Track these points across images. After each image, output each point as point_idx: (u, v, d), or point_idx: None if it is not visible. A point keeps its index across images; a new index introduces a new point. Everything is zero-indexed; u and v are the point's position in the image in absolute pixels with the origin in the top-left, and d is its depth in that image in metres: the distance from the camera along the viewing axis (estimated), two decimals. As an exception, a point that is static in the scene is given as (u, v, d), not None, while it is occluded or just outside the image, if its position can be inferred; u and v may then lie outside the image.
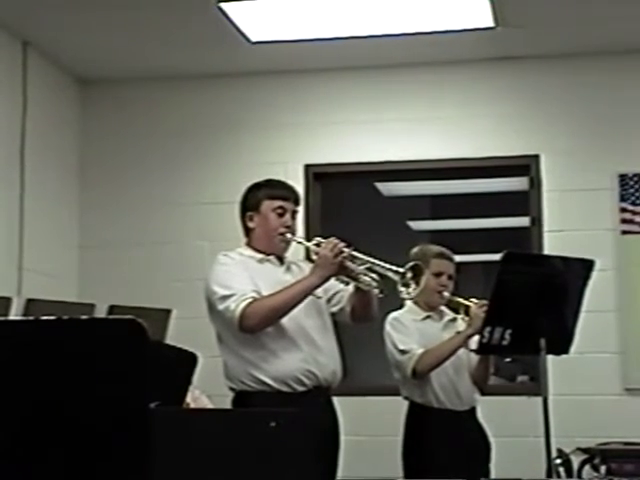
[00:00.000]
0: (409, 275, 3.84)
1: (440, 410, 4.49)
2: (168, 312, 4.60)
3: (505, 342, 4.03)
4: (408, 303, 4.67)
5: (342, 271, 3.93)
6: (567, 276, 4.19)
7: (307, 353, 3.93)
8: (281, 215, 4.07)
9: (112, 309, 4.23)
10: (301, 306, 3.91)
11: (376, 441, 5.84)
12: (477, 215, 8.46)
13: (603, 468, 5.41)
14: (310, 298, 3.97)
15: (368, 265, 3.91)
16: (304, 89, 6.59)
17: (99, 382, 1.88)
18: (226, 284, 3.90)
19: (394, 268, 3.83)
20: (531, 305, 4.06)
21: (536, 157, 6.29)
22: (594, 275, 4.21)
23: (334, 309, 4.13)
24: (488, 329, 4.02)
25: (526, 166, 6.33)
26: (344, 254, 3.88)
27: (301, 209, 4.29)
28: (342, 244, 3.90)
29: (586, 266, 4.20)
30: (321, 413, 3.90)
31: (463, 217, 8.68)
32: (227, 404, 4.03)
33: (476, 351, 4.38)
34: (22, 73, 6.06)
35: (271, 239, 4.07)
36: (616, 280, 6.02)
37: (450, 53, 6.25)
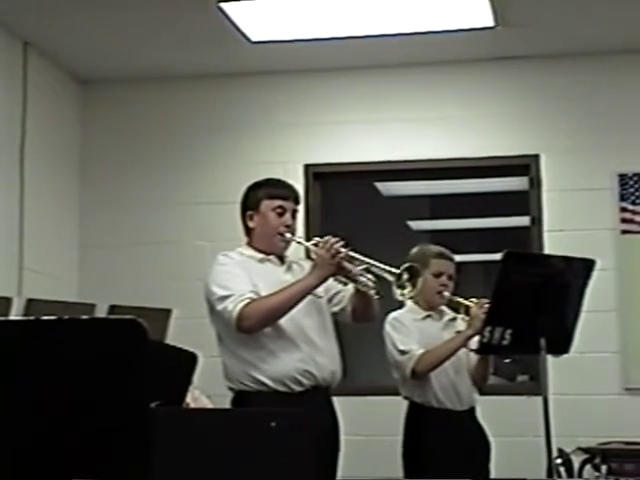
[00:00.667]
0: (405, 277, 3.84)
1: (440, 410, 4.49)
2: (168, 312, 4.60)
3: (505, 342, 4.03)
4: (408, 303, 4.67)
5: (340, 271, 3.93)
6: (567, 276, 4.18)
7: (305, 353, 3.93)
8: (281, 214, 4.07)
9: (112, 309, 4.23)
10: (300, 306, 3.91)
11: (376, 441, 5.84)
12: (477, 215, 8.45)
13: (604, 468, 5.40)
14: (310, 298, 3.97)
15: (365, 266, 3.91)
16: (304, 89, 6.59)
17: (99, 382, 1.88)
18: (224, 284, 3.90)
19: (390, 269, 3.83)
20: (531, 305, 4.06)
21: (536, 157, 6.29)
22: (594, 275, 4.21)
23: (335, 309, 4.13)
24: (488, 329, 4.02)
25: (526, 166, 6.33)
26: (342, 254, 3.88)
27: (301, 209, 4.29)
28: (339, 244, 3.90)
29: (586, 266, 4.20)
30: (320, 413, 3.89)
31: (463, 217, 8.68)
32: (227, 404, 4.03)
33: (476, 351, 4.37)
34: (22, 73, 6.06)
35: (271, 239, 4.07)
36: (616, 280, 6.01)
37: (450, 53, 6.25)
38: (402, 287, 3.83)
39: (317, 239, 4.02)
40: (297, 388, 3.90)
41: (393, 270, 3.81)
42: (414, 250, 4.64)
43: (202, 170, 6.60)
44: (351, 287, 4.07)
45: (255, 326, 3.85)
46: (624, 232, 6.09)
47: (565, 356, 4.34)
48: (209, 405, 5.00)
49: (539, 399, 4.06)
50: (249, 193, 4.18)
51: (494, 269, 4.03)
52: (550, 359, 4.36)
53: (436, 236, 8.26)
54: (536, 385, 5.15)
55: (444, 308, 4.71)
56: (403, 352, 4.46)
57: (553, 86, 6.31)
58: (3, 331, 1.94)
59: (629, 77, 6.24)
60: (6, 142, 5.95)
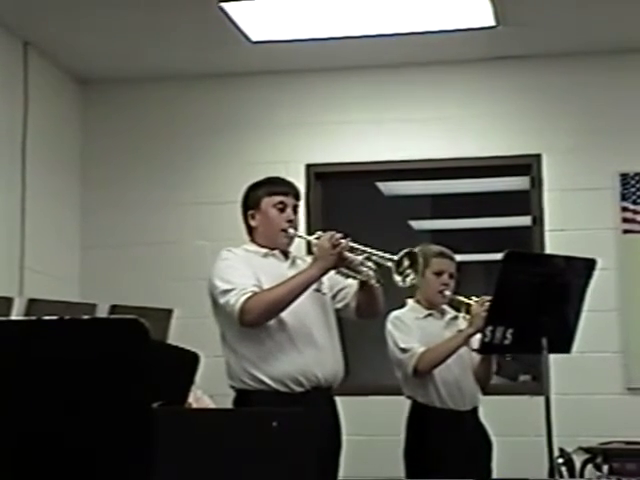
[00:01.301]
0: (405, 263, 3.85)
1: (442, 410, 4.49)
2: (170, 312, 4.59)
3: (507, 341, 4.03)
4: (410, 302, 4.68)
5: (341, 262, 3.93)
6: (568, 275, 4.18)
7: (307, 354, 3.92)
8: (282, 210, 4.07)
9: (114, 309, 4.22)
10: (306, 303, 3.91)
11: (378, 441, 5.83)
12: (478, 214, 8.45)
13: (605, 467, 5.40)
14: (315, 294, 3.98)
15: (366, 255, 3.91)
16: (305, 89, 6.58)
17: (101, 382, 1.88)
18: (227, 278, 3.90)
19: (390, 256, 3.84)
20: (532, 304, 4.06)
21: (537, 156, 6.29)
22: (595, 274, 4.21)
23: (339, 305, 4.14)
24: (489, 328, 4.02)
25: (527, 165, 6.33)
26: (342, 245, 3.88)
27: (302, 209, 4.29)
28: (339, 235, 3.91)
29: (588, 265, 4.20)
30: (322, 413, 3.89)
31: (464, 217, 8.67)
32: (229, 404, 4.03)
33: (478, 350, 4.38)
34: (23, 73, 6.06)
35: (274, 235, 4.07)
36: (617, 279, 6.01)
37: (451, 52, 6.25)
38: (405, 275, 3.84)
39: (319, 233, 4.02)
40: (297, 389, 3.90)
41: (393, 257, 3.83)
42: (415, 249, 4.63)
43: (203, 170, 6.60)
44: (355, 283, 4.07)
45: (258, 319, 3.85)
46: (625, 232, 6.08)
47: (567, 356, 4.35)
48: (211, 405, 5.00)
49: (541, 399, 4.06)
50: (249, 193, 4.18)
51: (495, 269, 4.03)
52: (552, 359, 4.35)
53: (437, 236, 8.26)
54: (538, 385, 5.15)
55: (445, 307, 4.71)
56: (405, 350, 4.46)
57: (554, 86, 6.31)
58: (4, 331, 1.94)
59: (630, 76, 6.24)
60: (7, 142, 5.95)
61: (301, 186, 5.45)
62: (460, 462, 4.37)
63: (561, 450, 5.24)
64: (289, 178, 4.37)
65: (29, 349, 1.90)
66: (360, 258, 3.92)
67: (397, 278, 3.82)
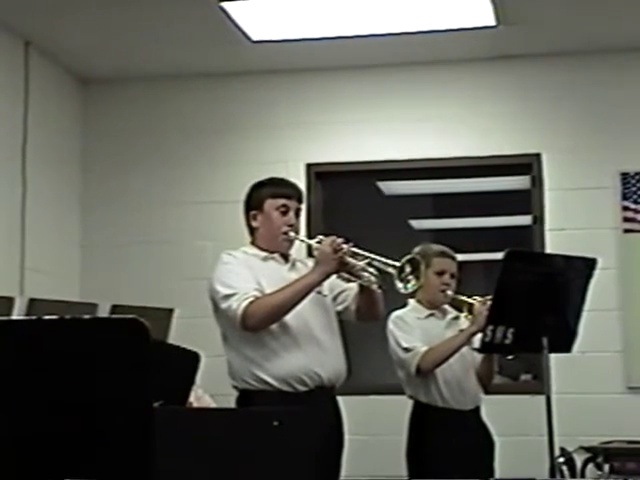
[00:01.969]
0: (407, 269, 3.84)
1: (444, 409, 4.49)
2: (170, 311, 4.59)
3: (508, 341, 4.03)
4: (411, 301, 4.68)
5: (342, 267, 3.93)
6: (569, 275, 4.18)
7: (310, 353, 3.92)
8: (284, 213, 4.06)
9: (114, 308, 4.22)
10: (307, 305, 3.91)
11: (380, 440, 5.83)
12: (479, 214, 8.44)
13: (606, 467, 5.40)
14: (315, 296, 3.97)
15: (368, 260, 3.91)
16: (305, 88, 6.58)
17: (102, 381, 1.88)
18: (229, 283, 3.90)
19: (392, 263, 3.83)
20: (533, 304, 4.06)
21: (538, 156, 6.28)
22: (596, 274, 4.21)
23: (339, 308, 4.13)
24: (490, 328, 4.02)
25: (528, 165, 6.33)
26: (344, 250, 3.88)
27: (303, 208, 4.28)
28: (341, 240, 3.90)
29: (588, 265, 4.20)
30: (325, 412, 3.89)
31: (465, 216, 8.67)
32: (230, 403, 4.03)
33: (479, 350, 4.38)
34: (24, 73, 6.06)
35: (275, 238, 4.06)
36: (618, 279, 6.01)
37: (451, 52, 6.25)
38: (406, 280, 3.83)
39: (320, 237, 4.02)
40: (301, 388, 3.89)
41: (395, 263, 3.82)
42: (416, 249, 4.63)
43: (203, 169, 6.60)
44: (355, 286, 4.07)
45: (260, 324, 3.85)
46: (626, 231, 6.08)
47: (567, 355, 4.35)
48: (212, 404, 5.00)
49: (542, 398, 4.06)
50: (252, 193, 4.17)
51: (496, 268, 4.03)
52: (553, 358, 4.35)
53: (438, 235, 8.26)
54: (539, 384, 5.14)
55: (447, 307, 4.71)
56: (407, 350, 4.46)
57: (555, 85, 6.31)
58: (5, 331, 1.94)
59: (631, 75, 6.24)
60: (8, 141, 5.95)
61: (301, 185, 5.43)
62: (462, 461, 4.36)
63: (562, 449, 5.24)
64: (289, 177, 4.37)
65: (29, 349, 1.90)
66: (362, 263, 3.91)
67: (399, 285, 3.81)
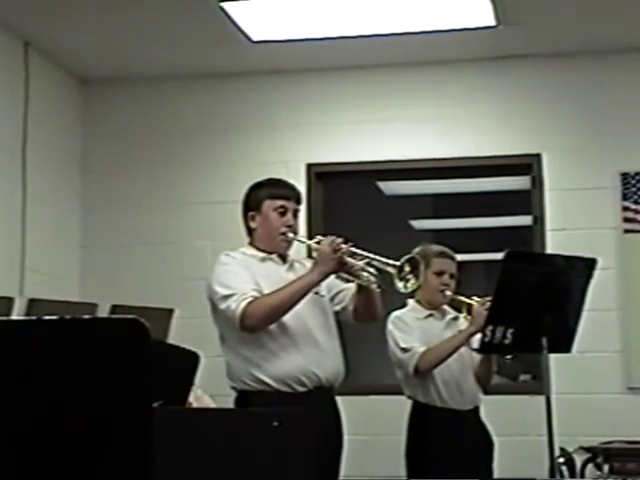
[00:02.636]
0: (407, 269, 3.84)
1: (443, 409, 4.49)
2: (170, 312, 4.60)
3: (507, 341, 4.03)
4: (410, 302, 4.68)
5: (341, 267, 3.93)
6: (569, 275, 4.18)
7: (309, 353, 3.92)
8: (282, 214, 4.06)
9: (114, 309, 4.23)
10: (305, 305, 3.91)
11: (379, 440, 5.84)
12: (479, 214, 8.45)
13: (606, 467, 5.40)
14: (314, 297, 3.97)
15: (367, 260, 3.91)
16: (306, 88, 6.58)
17: (101, 382, 1.88)
18: (227, 284, 3.90)
19: (391, 262, 3.83)
20: (533, 304, 4.06)
21: (538, 156, 6.29)
22: (596, 274, 4.21)
23: (337, 308, 4.13)
24: (490, 328, 4.02)
25: (528, 165, 6.33)
26: (343, 250, 3.88)
27: (303, 208, 4.29)
28: (340, 240, 3.90)
29: (588, 265, 4.20)
30: (323, 413, 3.89)
31: (465, 216, 8.68)
32: (229, 403, 4.03)
33: (478, 350, 4.38)
34: (24, 73, 6.06)
35: (273, 239, 4.06)
36: (618, 279, 6.01)
37: (451, 52, 6.25)
38: (405, 280, 3.83)
39: (319, 237, 4.02)
40: (300, 389, 3.89)
41: (395, 263, 3.82)
42: (416, 249, 4.63)
43: (204, 170, 6.60)
44: (353, 286, 4.07)
45: (258, 324, 3.85)
46: (626, 231, 6.08)
47: (567, 355, 4.35)
48: (212, 405, 5.00)
49: (541, 398, 4.06)
50: (251, 193, 4.17)
51: (496, 268, 4.03)
52: (552, 358, 4.35)
53: (438, 235, 8.27)
54: (538, 384, 5.15)
55: (446, 307, 4.71)
56: (405, 350, 4.46)
57: (555, 85, 6.31)
58: (4, 331, 1.94)
59: (631, 76, 6.24)
60: (8, 142, 5.95)
61: (301, 186, 5.45)
62: (461, 462, 4.36)
63: (562, 450, 5.25)
64: (289, 178, 4.37)
65: (29, 349, 1.90)
66: (361, 263, 3.91)
67: (399, 284, 3.81)
